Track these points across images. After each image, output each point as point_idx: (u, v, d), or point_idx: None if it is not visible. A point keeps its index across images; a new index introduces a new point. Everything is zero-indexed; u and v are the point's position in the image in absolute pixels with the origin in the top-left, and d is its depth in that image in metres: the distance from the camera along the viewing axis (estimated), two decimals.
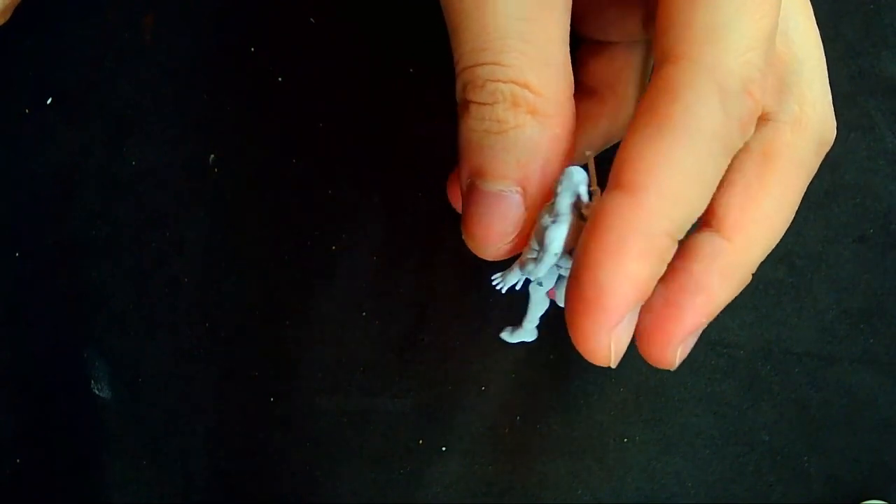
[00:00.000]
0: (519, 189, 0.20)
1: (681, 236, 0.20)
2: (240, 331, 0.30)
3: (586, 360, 0.29)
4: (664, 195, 0.19)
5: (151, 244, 0.31)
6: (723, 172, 0.20)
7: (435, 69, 0.30)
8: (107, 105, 0.31)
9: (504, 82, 0.20)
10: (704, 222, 0.22)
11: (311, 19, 0.31)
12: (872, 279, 0.30)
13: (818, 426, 0.30)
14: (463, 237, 0.21)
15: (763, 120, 0.22)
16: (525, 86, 0.20)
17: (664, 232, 0.19)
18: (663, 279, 0.20)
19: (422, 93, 0.30)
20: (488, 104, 0.20)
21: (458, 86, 0.21)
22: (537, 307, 0.24)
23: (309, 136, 0.30)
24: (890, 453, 0.30)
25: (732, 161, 0.20)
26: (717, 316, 0.30)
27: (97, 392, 0.30)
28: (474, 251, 0.21)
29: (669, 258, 0.20)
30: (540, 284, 0.23)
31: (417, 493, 0.30)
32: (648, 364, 0.30)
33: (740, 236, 0.21)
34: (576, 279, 0.19)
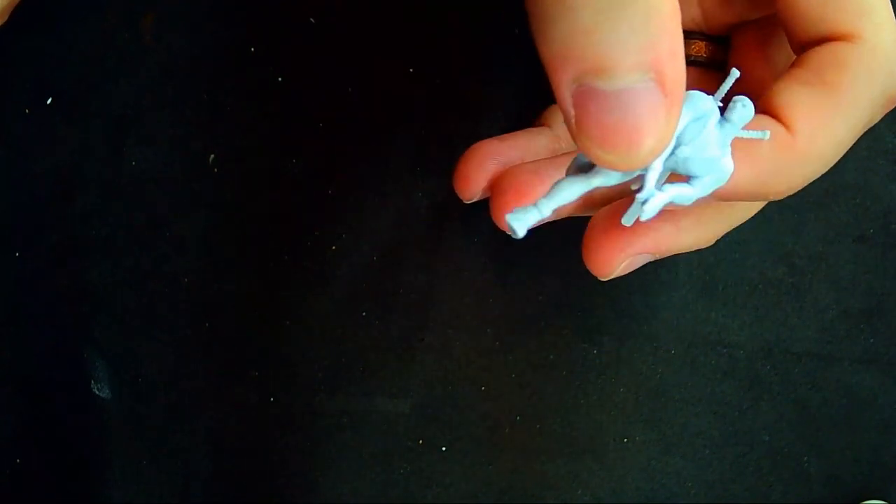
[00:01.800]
0: (653, 75, 0.17)
1: (784, 195, 0.21)
2: (240, 331, 0.30)
3: (586, 362, 0.29)
4: (814, 148, 0.20)
5: (151, 244, 0.31)
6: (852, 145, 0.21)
7: (435, 69, 0.30)
8: (107, 105, 0.31)
9: None
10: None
11: (311, 19, 0.31)
12: (872, 279, 0.30)
13: (818, 426, 0.30)
14: (594, 154, 0.18)
15: (843, 37, 0.21)
16: None
17: (790, 181, 0.21)
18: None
19: (422, 93, 0.30)
20: None
21: None
22: (567, 192, 0.20)
23: (309, 136, 0.30)
24: (890, 453, 0.30)
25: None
26: (717, 316, 0.30)
27: (97, 392, 0.30)
28: (617, 165, 0.18)
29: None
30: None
31: (417, 493, 0.30)
32: (648, 364, 0.30)
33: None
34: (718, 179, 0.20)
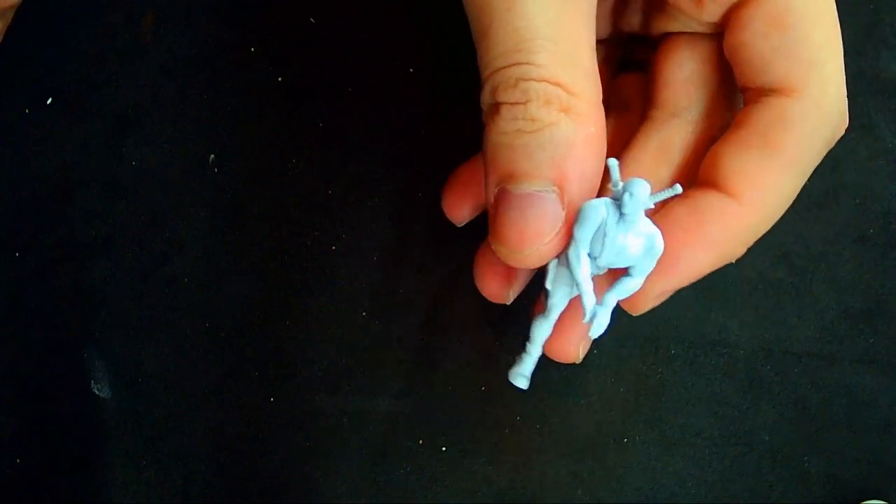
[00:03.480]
0: (556, 189, 0.20)
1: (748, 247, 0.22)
2: (240, 331, 0.30)
3: (586, 362, 0.29)
4: (763, 211, 0.21)
5: (151, 244, 0.31)
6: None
7: (435, 69, 0.30)
8: (107, 105, 0.31)
9: (537, 81, 0.19)
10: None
11: (312, 19, 0.31)
12: (873, 279, 0.30)
13: (818, 426, 0.30)
14: (494, 247, 0.21)
15: (788, 91, 0.22)
16: (558, 84, 0.19)
17: (746, 242, 0.22)
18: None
19: (422, 93, 0.30)
20: (521, 103, 0.19)
21: (487, 91, 0.20)
22: (543, 332, 0.24)
23: (309, 136, 0.30)
24: (890, 453, 0.30)
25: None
26: (717, 316, 0.30)
27: (97, 392, 0.30)
28: (508, 259, 0.21)
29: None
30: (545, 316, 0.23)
31: (417, 493, 0.30)
32: (648, 364, 0.30)
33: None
34: (664, 252, 0.21)
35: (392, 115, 0.30)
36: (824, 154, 0.22)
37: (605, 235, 0.20)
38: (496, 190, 0.20)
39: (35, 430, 0.31)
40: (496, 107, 0.20)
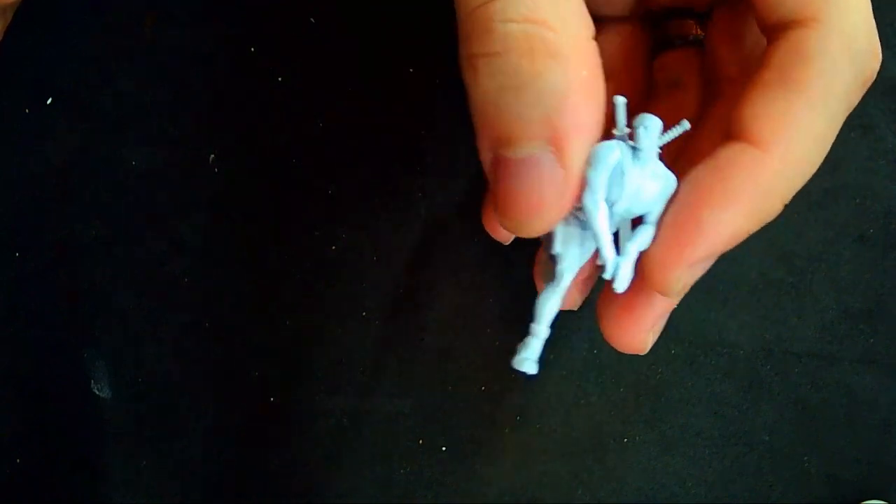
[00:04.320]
0: (552, 148, 0.18)
1: (787, 202, 0.20)
2: (240, 331, 0.30)
3: (586, 362, 0.29)
4: (793, 158, 0.19)
5: (151, 244, 0.31)
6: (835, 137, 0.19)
7: (435, 69, 0.30)
8: (107, 105, 0.31)
9: (517, 21, 0.17)
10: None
11: (312, 19, 0.31)
12: (873, 279, 0.30)
13: (818, 426, 0.30)
14: (499, 220, 0.19)
15: (807, 22, 0.19)
16: (541, 22, 0.17)
17: (781, 196, 0.19)
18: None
19: (422, 93, 0.30)
20: (499, 54, 0.17)
21: (461, 40, 0.18)
22: (552, 305, 0.21)
23: (309, 136, 0.30)
24: (890, 453, 0.30)
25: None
26: (717, 316, 0.30)
27: (97, 392, 0.30)
28: (517, 231, 0.19)
29: (767, 221, 0.19)
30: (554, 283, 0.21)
31: (417, 493, 0.30)
32: (648, 364, 0.30)
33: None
34: (679, 215, 0.19)
35: (392, 115, 0.30)
36: (858, 94, 0.20)
37: (622, 175, 0.18)
38: (491, 156, 0.18)
39: (35, 430, 0.31)
40: (473, 60, 0.18)
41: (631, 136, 0.19)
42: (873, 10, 0.30)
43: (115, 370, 0.30)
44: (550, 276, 0.21)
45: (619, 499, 0.30)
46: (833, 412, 0.30)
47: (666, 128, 0.19)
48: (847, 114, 0.20)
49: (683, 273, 0.19)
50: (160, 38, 0.31)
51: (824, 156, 0.20)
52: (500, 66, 0.17)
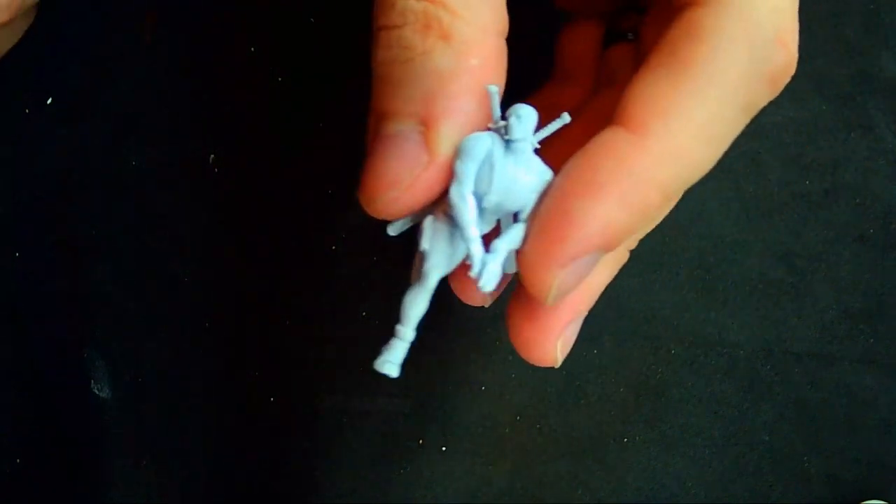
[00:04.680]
0: (421, 129, 0.17)
1: (673, 199, 0.18)
2: (240, 331, 0.30)
3: (586, 362, 0.29)
4: (671, 144, 0.17)
5: (151, 244, 0.31)
6: (735, 135, 0.18)
7: None
8: (107, 105, 0.31)
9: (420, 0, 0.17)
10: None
11: (312, 19, 0.31)
12: (872, 279, 0.30)
13: (818, 426, 0.30)
14: (359, 197, 0.18)
15: (703, 1, 0.18)
16: (442, 4, 0.17)
17: (658, 185, 0.17)
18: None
19: None
20: (397, 27, 0.17)
21: (373, 13, 0.18)
22: (417, 306, 0.20)
23: (309, 136, 0.30)
24: (890, 453, 0.30)
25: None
26: (717, 316, 0.30)
27: (97, 392, 0.30)
28: (367, 207, 0.18)
29: (652, 221, 0.18)
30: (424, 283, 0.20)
31: (417, 493, 0.30)
32: (648, 364, 0.30)
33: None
34: (547, 209, 0.17)
35: None
36: (762, 90, 0.18)
37: (492, 168, 0.18)
38: (373, 129, 0.18)
39: (35, 430, 0.31)
40: (375, 33, 0.17)
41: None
42: (873, 10, 0.30)
43: (115, 370, 0.30)
44: (418, 273, 0.20)
45: (619, 499, 0.30)
46: (833, 412, 0.30)
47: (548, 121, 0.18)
48: (749, 111, 0.18)
49: (557, 273, 0.17)
50: (160, 38, 0.31)
51: (718, 150, 0.18)
52: (395, 39, 0.17)
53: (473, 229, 0.18)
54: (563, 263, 0.17)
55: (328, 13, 0.31)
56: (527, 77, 0.23)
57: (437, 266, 0.19)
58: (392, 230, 0.21)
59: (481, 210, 0.18)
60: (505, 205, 0.18)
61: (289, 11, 0.30)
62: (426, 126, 0.17)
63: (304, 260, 0.30)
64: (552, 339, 0.20)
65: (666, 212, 0.19)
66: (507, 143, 0.18)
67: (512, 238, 0.18)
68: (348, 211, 0.30)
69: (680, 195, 0.18)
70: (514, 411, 0.30)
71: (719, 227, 0.30)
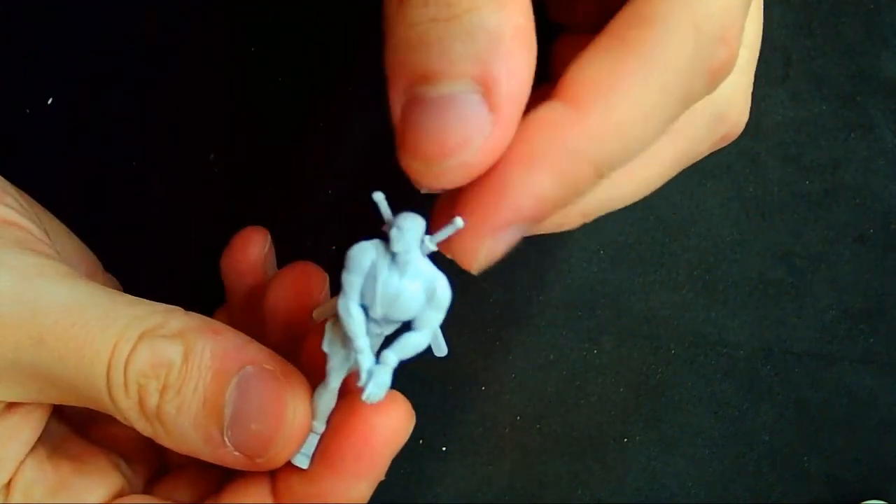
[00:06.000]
0: (480, 89, 0.16)
1: (605, 175, 0.18)
2: None
3: (586, 362, 0.29)
4: (608, 122, 0.17)
5: (152, 243, 0.31)
6: (670, 124, 0.18)
7: None
8: (107, 105, 0.31)
9: None
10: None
11: (311, 19, 0.31)
12: (872, 279, 0.30)
13: (818, 426, 0.30)
14: (405, 163, 0.17)
15: None
16: None
17: (591, 159, 0.17)
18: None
19: None
20: None
21: None
22: (325, 403, 0.20)
23: (309, 136, 0.30)
24: (890, 453, 0.30)
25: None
26: (717, 316, 0.30)
27: None
28: (425, 176, 0.17)
29: (581, 192, 0.18)
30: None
31: (417, 493, 0.30)
32: (648, 364, 0.30)
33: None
34: (481, 179, 0.17)
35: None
36: (702, 82, 0.18)
37: (375, 280, 0.18)
38: (405, 99, 0.17)
39: None
40: None
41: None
42: (873, 11, 0.30)
43: None
44: (322, 372, 0.20)
45: (619, 499, 0.30)
46: (833, 412, 0.30)
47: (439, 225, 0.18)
48: (686, 102, 0.18)
49: (487, 241, 0.18)
50: (160, 38, 0.31)
51: (651, 135, 0.18)
52: None
53: (361, 340, 0.18)
54: (497, 231, 0.17)
55: (328, 13, 0.31)
56: None
57: (335, 369, 0.20)
58: (317, 314, 0.21)
59: (368, 320, 0.18)
60: (392, 315, 0.18)
61: (289, 11, 0.31)
62: (484, 86, 0.16)
63: (304, 260, 0.30)
64: (479, 239, 0.18)
65: (596, 188, 0.18)
66: (392, 254, 0.18)
67: (403, 347, 0.19)
68: (348, 211, 0.30)
69: (611, 173, 0.18)
70: (514, 411, 0.30)
71: (719, 227, 0.30)
